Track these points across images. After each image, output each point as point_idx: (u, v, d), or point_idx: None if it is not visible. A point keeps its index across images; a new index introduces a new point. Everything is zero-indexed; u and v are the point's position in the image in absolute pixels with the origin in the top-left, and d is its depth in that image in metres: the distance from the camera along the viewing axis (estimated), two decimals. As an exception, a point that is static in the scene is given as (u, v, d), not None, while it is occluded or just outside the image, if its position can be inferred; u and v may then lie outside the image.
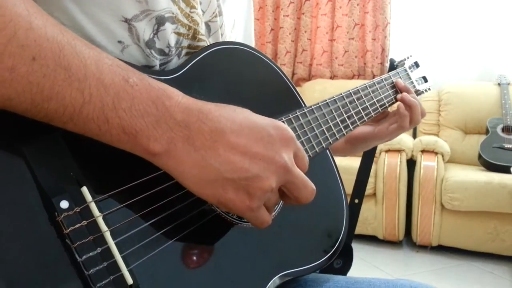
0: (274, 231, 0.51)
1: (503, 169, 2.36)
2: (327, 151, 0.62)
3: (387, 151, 2.53)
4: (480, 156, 2.53)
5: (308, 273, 0.53)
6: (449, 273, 2.22)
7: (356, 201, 0.84)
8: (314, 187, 0.44)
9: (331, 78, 3.38)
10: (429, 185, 2.40)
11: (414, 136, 2.96)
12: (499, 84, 2.84)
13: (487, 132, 2.68)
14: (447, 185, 2.34)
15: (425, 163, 2.44)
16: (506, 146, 2.50)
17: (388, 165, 2.49)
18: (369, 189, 2.51)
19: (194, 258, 0.44)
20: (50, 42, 0.34)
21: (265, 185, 0.40)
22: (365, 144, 0.83)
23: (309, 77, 3.46)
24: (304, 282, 0.61)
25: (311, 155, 0.56)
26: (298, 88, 3.00)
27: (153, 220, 0.42)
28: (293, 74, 3.49)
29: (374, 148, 0.87)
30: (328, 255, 0.56)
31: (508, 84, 2.82)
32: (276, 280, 0.50)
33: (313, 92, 3.13)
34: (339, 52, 3.33)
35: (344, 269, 0.74)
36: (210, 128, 0.39)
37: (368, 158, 0.88)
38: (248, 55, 0.57)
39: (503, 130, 2.62)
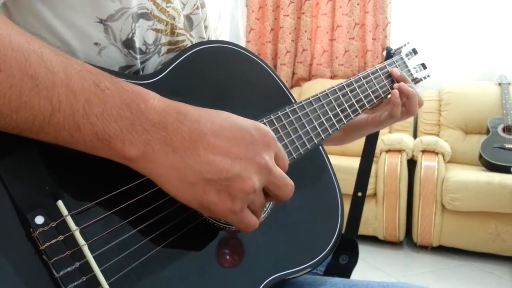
0: (265, 232, 0.50)
1: (504, 169, 2.36)
2: (320, 146, 0.60)
3: (388, 151, 2.53)
4: (480, 156, 2.52)
5: (301, 274, 0.52)
6: (450, 273, 2.22)
7: (360, 194, 0.81)
8: (293, 184, 0.43)
9: (332, 78, 3.37)
10: (429, 185, 2.40)
11: (415, 136, 2.95)
12: (499, 84, 2.83)
13: (487, 132, 2.67)
14: (448, 185, 2.33)
15: (425, 163, 2.44)
16: (506, 146, 2.49)
17: (389, 165, 2.48)
18: (369, 189, 2.50)
19: (180, 266, 0.43)
20: (15, 51, 0.33)
21: (247, 185, 0.39)
22: (359, 132, 0.81)
23: (309, 77, 3.46)
24: (301, 284, 0.60)
25: (301, 152, 0.55)
26: (298, 88, 2.98)
27: (133, 231, 0.41)
28: (293, 74, 3.48)
29: (375, 140, 0.85)
30: (323, 254, 0.54)
31: (509, 84, 2.81)
32: (268, 283, 0.48)
33: (313, 92, 3.09)
34: (339, 52, 3.33)
35: (350, 264, 0.73)
36: (189, 129, 0.38)
37: (369, 151, 0.85)
38: (232, 53, 0.55)
39: (503, 130, 2.61)
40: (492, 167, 2.44)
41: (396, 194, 2.47)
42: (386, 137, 2.59)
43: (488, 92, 2.84)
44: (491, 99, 2.80)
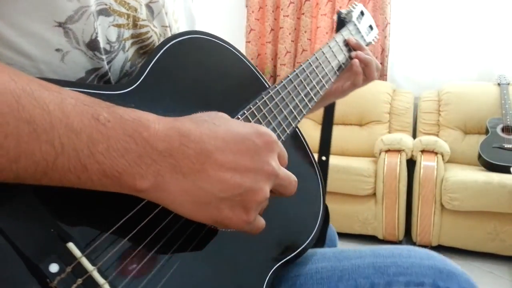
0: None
1: (503, 169, 2.36)
2: (296, 128, 0.62)
3: (387, 151, 2.53)
4: (479, 156, 2.53)
5: (301, 256, 0.54)
6: (449, 273, 2.22)
7: (324, 158, 0.86)
8: (296, 180, 0.45)
9: (331, 78, 3.38)
10: (429, 185, 2.40)
11: (414, 136, 2.96)
12: (499, 84, 2.83)
13: (486, 132, 2.67)
14: (447, 185, 2.33)
15: (425, 163, 2.44)
16: (506, 146, 2.49)
17: (388, 165, 2.48)
18: (369, 189, 2.51)
19: (196, 278, 0.44)
20: (3, 95, 0.30)
21: (260, 196, 0.40)
22: (323, 102, 0.86)
23: (309, 77, 3.47)
24: None
25: (283, 139, 0.56)
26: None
27: (148, 256, 0.40)
28: (293, 74, 3.49)
29: (333, 108, 0.91)
30: (315, 230, 0.57)
31: (508, 84, 2.81)
32: (273, 273, 0.50)
33: (313, 92, 3.12)
34: (339, 52, 3.34)
35: (323, 228, 0.76)
36: (194, 151, 0.37)
37: (328, 119, 0.92)
38: (201, 45, 0.53)
39: (502, 130, 2.61)
40: (491, 167, 2.44)
41: (396, 193, 2.47)
42: (385, 137, 2.60)
43: (487, 92, 2.84)
44: (490, 99, 2.80)
